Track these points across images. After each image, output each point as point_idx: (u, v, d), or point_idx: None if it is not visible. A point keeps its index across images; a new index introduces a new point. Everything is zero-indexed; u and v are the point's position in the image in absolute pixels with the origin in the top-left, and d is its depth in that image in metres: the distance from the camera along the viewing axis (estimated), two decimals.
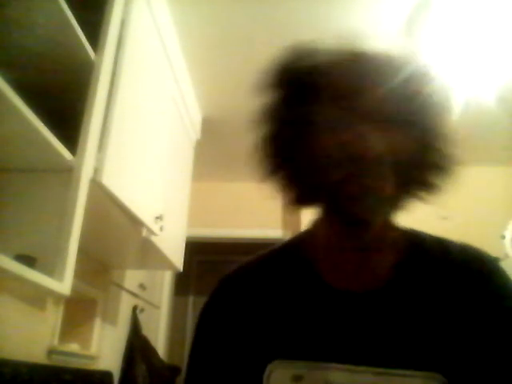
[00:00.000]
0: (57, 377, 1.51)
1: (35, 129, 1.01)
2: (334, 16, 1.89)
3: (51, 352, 1.58)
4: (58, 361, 1.62)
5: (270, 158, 0.64)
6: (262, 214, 3.32)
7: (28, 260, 1.01)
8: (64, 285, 1.07)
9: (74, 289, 1.14)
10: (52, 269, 1.06)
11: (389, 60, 0.60)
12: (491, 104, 2.12)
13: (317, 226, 0.68)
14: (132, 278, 2.46)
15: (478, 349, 0.55)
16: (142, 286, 2.60)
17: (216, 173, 3.34)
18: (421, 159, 0.60)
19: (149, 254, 1.99)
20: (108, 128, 1.30)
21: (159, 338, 2.97)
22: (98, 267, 2.05)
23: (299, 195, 0.64)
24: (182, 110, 2.25)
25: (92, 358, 1.92)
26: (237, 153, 2.94)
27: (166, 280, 3.19)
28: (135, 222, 1.61)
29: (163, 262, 2.12)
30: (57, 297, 1.51)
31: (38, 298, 1.51)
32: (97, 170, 1.25)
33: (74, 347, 1.77)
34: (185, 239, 2.37)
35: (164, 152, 1.88)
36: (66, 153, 1.13)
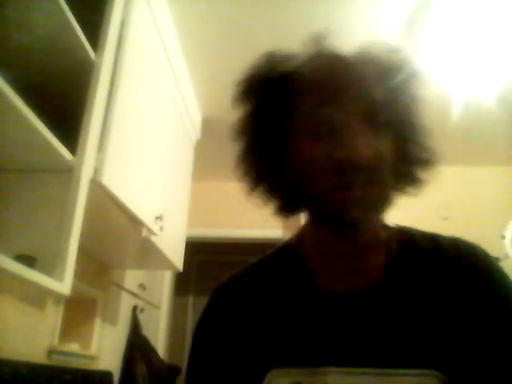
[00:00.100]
0: (57, 377, 1.51)
1: (35, 129, 1.01)
2: (334, 16, 1.89)
3: (51, 352, 1.58)
4: (58, 361, 1.62)
5: (251, 170, 0.64)
6: (262, 214, 3.31)
7: (28, 260, 1.01)
8: (64, 285, 1.07)
9: (74, 289, 1.14)
10: (52, 269, 1.06)
11: (368, 59, 0.60)
12: (491, 104, 2.12)
13: (306, 230, 0.68)
14: (132, 277, 2.45)
15: (474, 342, 0.55)
16: (141, 286, 2.60)
17: (216, 173, 3.34)
18: (405, 154, 0.61)
19: (149, 254, 1.99)
20: (108, 128, 1.30)
21: (159, 338, 2.97)
22: (98, 267, 2.04)
23: (285, 205, 0.65)
24: (182, 110, 2.25)
25: (92, 358, 1.92)
26: (237, 153, 2.95)
27: (166, 280, 3.19)
28: (135, 222, 1.61)
29: (163, 262, 2.12)
30: (57, 297, 1.51)
31: (37, 298, 1.51)
32: (97, 170, 1.25)
33: (73, 347, 1.77)
34: (185, 239, 2.37)
35: (164, 152, 1.88)
36: (66, 153, 1.13)
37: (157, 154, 1.78)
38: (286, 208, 0.65)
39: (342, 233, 0.58)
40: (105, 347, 2.07)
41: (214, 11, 1.94)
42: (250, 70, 0.63)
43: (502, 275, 0.60)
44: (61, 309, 1.66)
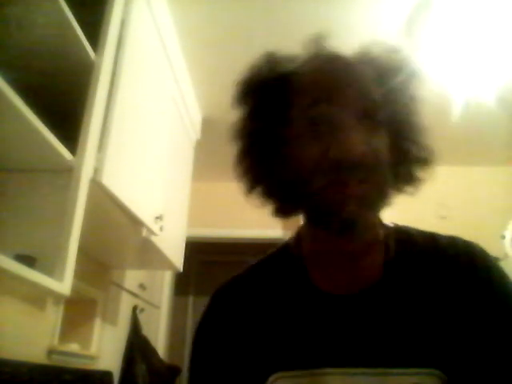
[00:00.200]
0: (57, 377, 1.51)
1: (35, 129, 1.01)
2: (333, 16, 1.89)
3: (51, 352, 1.58)
4: (58, 361, 1.62)
5: (249, 171, 0.65)
6: (262, 214, 3.31)
7: (28, 260, 1.01)
8: (64, 285, 1.07)
9: (74, 289, 1.14)
10: (52, 269, 1.06)
11: (364, 59, 0.60)
12: (491, 104, 2.12)
13: (304, 231, 0.68)
14: (132, 277, 2.45)
15: (473, 341, 0.55)
16: (141, 286, 2.60)
17: (216, 173, 3.34)
18: (402, 153, 0.61)
19: (149, 254, 1.99)
20: (108, 128, 1.30)
21: (159, 338, 2.97)
22: (98, 267, 2.04)
23: (282, 206, 0.65)
24: (182, 110, 2.25)
25: (92, 358, 1.92)
26: (235, 154, 2.94)
27: (166, 280, 3.19)
28: (135, 222, 1.61)
29: (163, 262, 2.12)
30: (57, 297, 1.51)
31: (38, 297, 1.51)
32: (97, 170, 1.25)
33: (74, 347, 1.77)
34: (185, 239, 2.37)
35: (164, 152, 1.88)
36: (66, 153, 1.13)
37: (157, 154, 1.78)
38: (284, 209, 0.65)
39: (338, 232, 0.58)
40: (105, 347, 2.07)
41: (214, 11, 1.94)
42: (249, 70, 0.63)
43: (500, 273, 0.60)
44: (61, 309, 1.66)
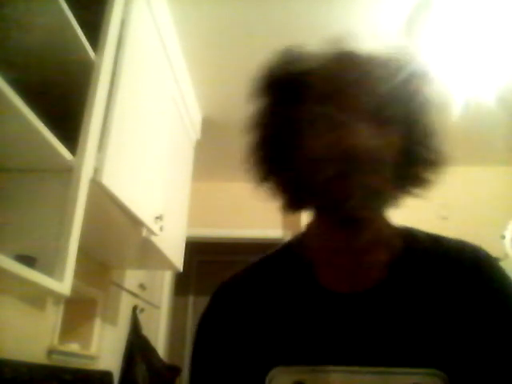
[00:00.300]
0: (57, 377, 1.51)
1: (35, 129, 1.01)
2: (333, 16, 1.89)
3: (51, 352, 1.58)
4: (58, 361, 1.62)
5: (261, 163, 0.65)
6: (262, 214, 3.31)
7: (28, 260, 1.01)
8: (64, 285, 1.07)
9: (74, 289, 1.14)
10: (52, 269, 1.06)
11: (379, 60, 0.60)
12: (491, 104, 2.12)
13: (311, 228, 0.68)
14: (132, 277, 2.45)
15: (476, 343, 0.55)
16: (142, 286, 2.60)
17: (216, 173, 3.34)
18: (412, 155, 0.60)
19: (149, 254, 1.99)
20: (108, 128, 1.30)
21: (159, 338, 2.97)
22: (98, 267, 2.05)
23: (292, 199, 0.65)
24: (182, 110, 2.25)
25: (92, 358, 1.92)
26: (237, 153, 2.94)
27: (166, 280, 3.19)
28: (135, 222, 1.61)
29: (163, 262, 2.12)
30: (57, 297, 1.51)
31: (38, 297, 1.51)
32: (97, 170, 1.25)
33: (74, 347, 1.77)
34: (185, 239, 2.37)
35: (164, 152, 1.88)
36: (66, 153, 1.13)
37: (157, 154, 1.78)
38: (294, 202, 0.65)
39: (342, 223, 0.58)
40: (105, 347, 2.07)
41: (214, 11, 1.94)
42: (267, 65, 0.63)
43: (505, 278, 0.60)
44: (61, 309, 1.66)
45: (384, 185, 0.57)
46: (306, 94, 0.60)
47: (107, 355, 2.07)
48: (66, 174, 1.15)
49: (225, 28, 2.03)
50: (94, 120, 1.21)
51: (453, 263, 0.61)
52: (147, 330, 2.49)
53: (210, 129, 2.66)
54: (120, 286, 2.31)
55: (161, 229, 1.79)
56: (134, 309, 2.41)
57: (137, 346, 2.26)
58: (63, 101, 1.21)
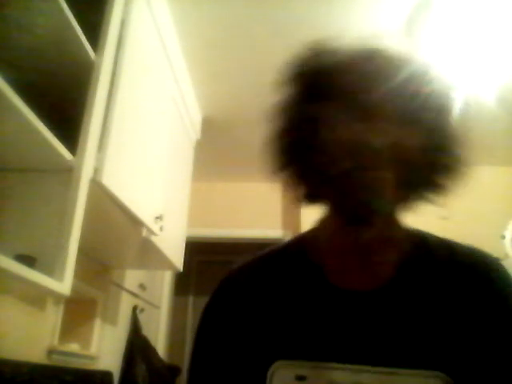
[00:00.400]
0: (57, 377, 1.51)
1: (35, 129, 1.01)
2: (334, 16, 1.89)
3: (51, 352, 1.58)
4: (58, 361, 1.62)
5: (281, 153, 0.64)
6: (262, 214, 3.32)
7: (28, 260, 1.01)
8: (64, 285, 1.07)
9: (74, 289, 1.14)
10: (52, 269, 1.06)
11: (403, 60, 0.60)
12: (491, 104, 2.12)
13: (321, 225, 0.68)
14: (132, 277, 2.45)
15: (481, 349, 0.56)
16: (141, 286, 2.60)
17: (216, 173, 3.34)
18: (429, 160, 0.59)
19: (149, 254, 1.99)
20: (108, 128, 1.30)
21: (159, 338, 2.97)
22: (98, 267, 2.04)
23: (307, 191, 0.64)
24: (182, 110, 2.25)
25: (92, 358, 1.92)
26: (237, 153, 2.94)
27: (166, 280, 3.19)
28: (135, 222, 1.61)
29: (163, 262, 2.12)
30: (57, 297, 1.51)
31: (38, 298, 1.51)
32: (97, 170, 1.25)
33: (74, 347, 1.77)
34: (185, 239, 2.37)
35: (164, 152, 1.88)
36: (66, 153, 1.13)
37: (157, 154, 1.78)
38: (308, 194, 0.65)
39: (355, 221, 0.57)
40: (105, 347, 2.07)
41: (214, 11, 1.94)
42: (297, 56, 0.63)
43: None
44: (61, 309, 1.66)
45: (397, 186, 0.56)
46: (332, 88, 0.60)
47: (107, 355, 2.07)
48: (66, 174, 1.15)
49: (225, 28, 2.03)
50: (94, 120, 1.21)
51: (463, 269, 0.61)
52: (147, 330, 2.49)
53: (210, 129, 2.66)
54: (120, 286, 2.31)
55: (161, 229, 1.79)
56: (134, 309, 2.41)
57: (137, 346, 2.26)
58: (63, 101, 1.21)
